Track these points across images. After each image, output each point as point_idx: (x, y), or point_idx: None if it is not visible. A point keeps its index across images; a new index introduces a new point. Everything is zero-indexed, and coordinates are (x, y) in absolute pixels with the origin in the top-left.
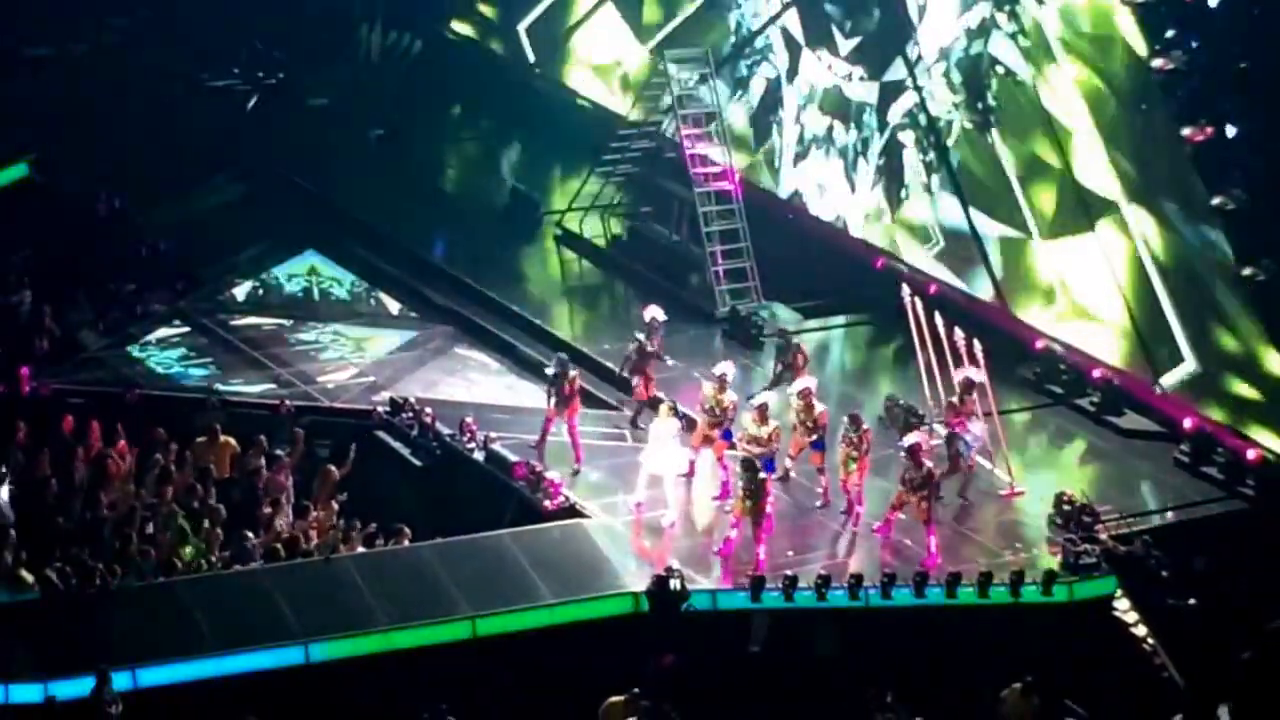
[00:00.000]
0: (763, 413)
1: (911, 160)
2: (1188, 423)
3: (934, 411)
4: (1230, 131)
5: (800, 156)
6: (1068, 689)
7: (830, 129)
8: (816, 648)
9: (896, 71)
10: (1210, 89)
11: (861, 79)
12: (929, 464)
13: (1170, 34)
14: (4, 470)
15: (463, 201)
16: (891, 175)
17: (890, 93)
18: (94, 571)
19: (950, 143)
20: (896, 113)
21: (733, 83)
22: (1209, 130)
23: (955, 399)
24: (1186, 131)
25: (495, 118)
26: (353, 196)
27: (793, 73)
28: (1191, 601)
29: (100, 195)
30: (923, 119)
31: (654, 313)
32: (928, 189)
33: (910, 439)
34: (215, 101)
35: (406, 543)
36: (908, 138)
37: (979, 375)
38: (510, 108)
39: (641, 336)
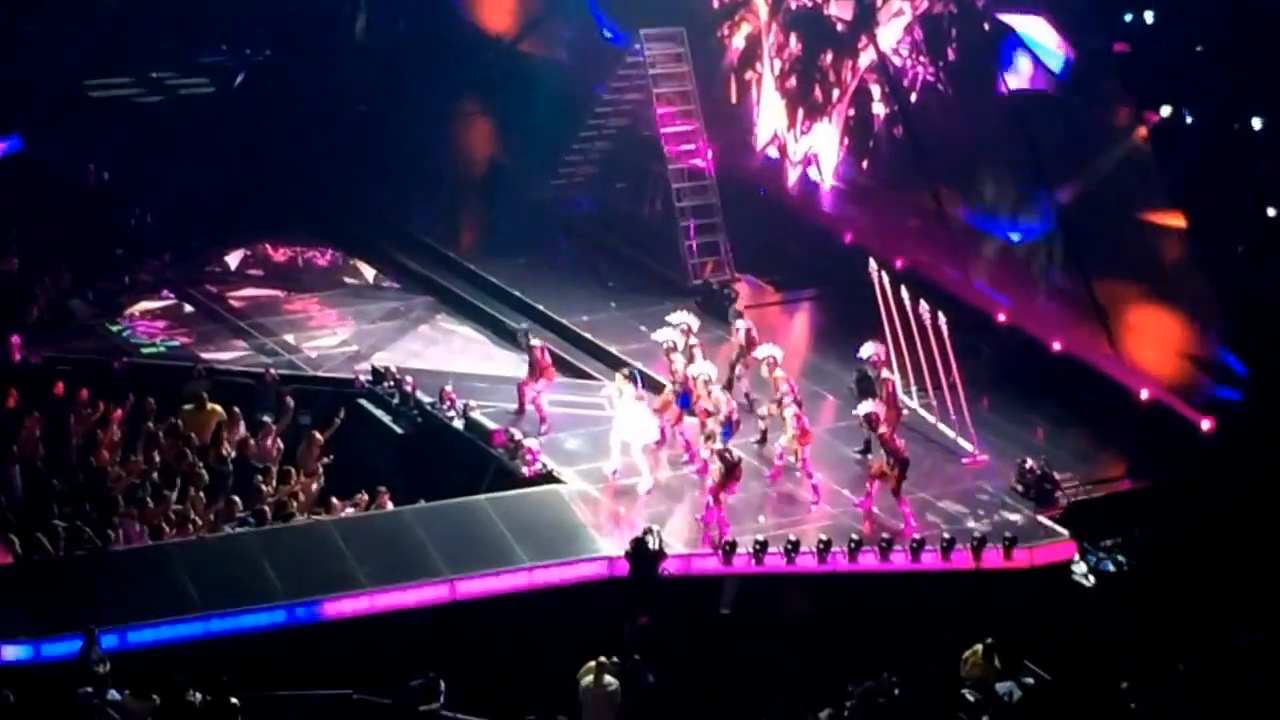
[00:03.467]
0: (705, 384)
1: (879, 111)
2: (1144, 393)
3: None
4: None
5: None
6: (1028, 650)
7: (805, 74)
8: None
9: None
10: (1167, 71)
11: None
12: (884, 429)
13: (1127, 18)
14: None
15: (444, 174)
16: (860, 127)
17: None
18: (84, 534)
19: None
20: (865, 60)
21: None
22: (1166, 111)
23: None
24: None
25: (476, 92)
26: (337, 170)
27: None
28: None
29: (90, 168)
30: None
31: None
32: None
33: (864, 408)
34: (203, 78)
35: (389, 505)
36: (875, 90)
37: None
38: (490, 83)
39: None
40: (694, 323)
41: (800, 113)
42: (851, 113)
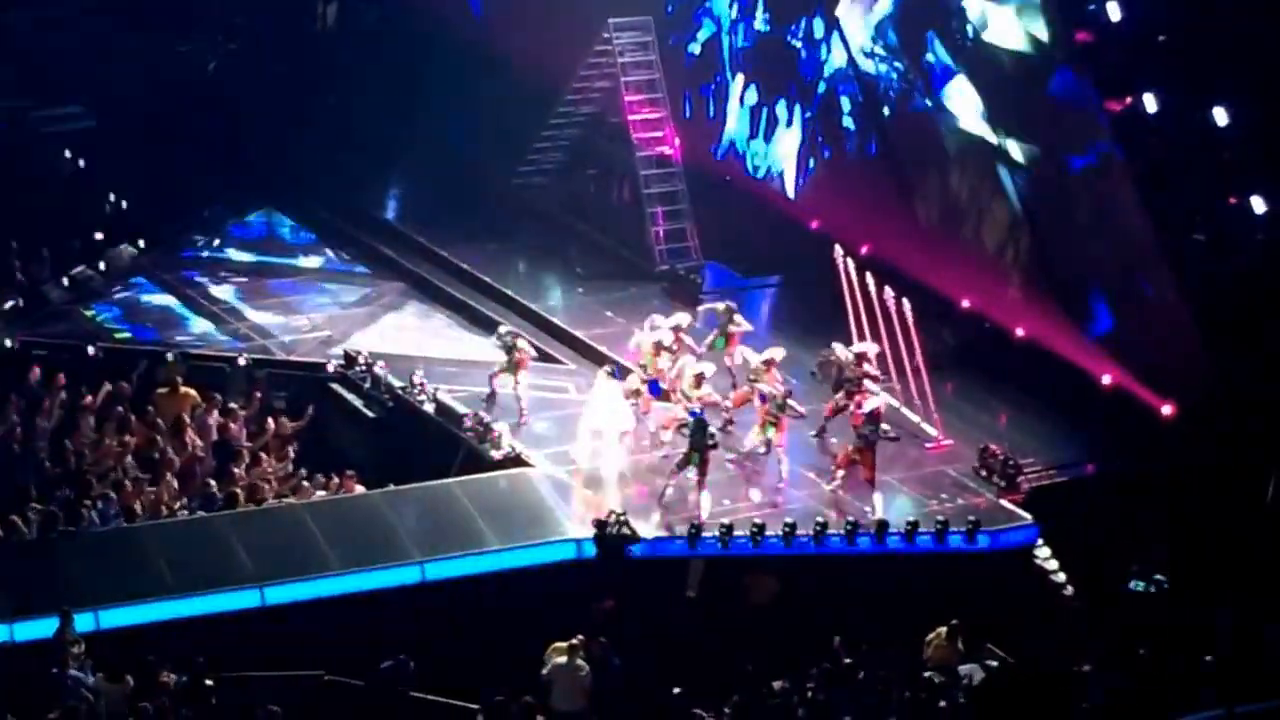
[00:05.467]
0: (699, 380)
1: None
2: (1106, 379)
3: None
4: (1149, 102)
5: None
6: (990, 632)
7: (773, 76)
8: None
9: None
10: (1130, 61)
11: None
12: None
13: (1090, 7)
14: None
15: (413, 162)
16: (827, 130)
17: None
18: (58, 517)
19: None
20: (834, 63)
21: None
22: (1128, 101)
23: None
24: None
25: (446, 81)
26: (309, 157)
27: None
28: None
29: (65, 153)
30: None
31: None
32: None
33: (871, 404)
34: (178, 64)
35: (357, 488)
36: (845, 93)
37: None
38: (460, 72)
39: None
40: (685, 321)
41: (764, 119)
42: (809, 114)
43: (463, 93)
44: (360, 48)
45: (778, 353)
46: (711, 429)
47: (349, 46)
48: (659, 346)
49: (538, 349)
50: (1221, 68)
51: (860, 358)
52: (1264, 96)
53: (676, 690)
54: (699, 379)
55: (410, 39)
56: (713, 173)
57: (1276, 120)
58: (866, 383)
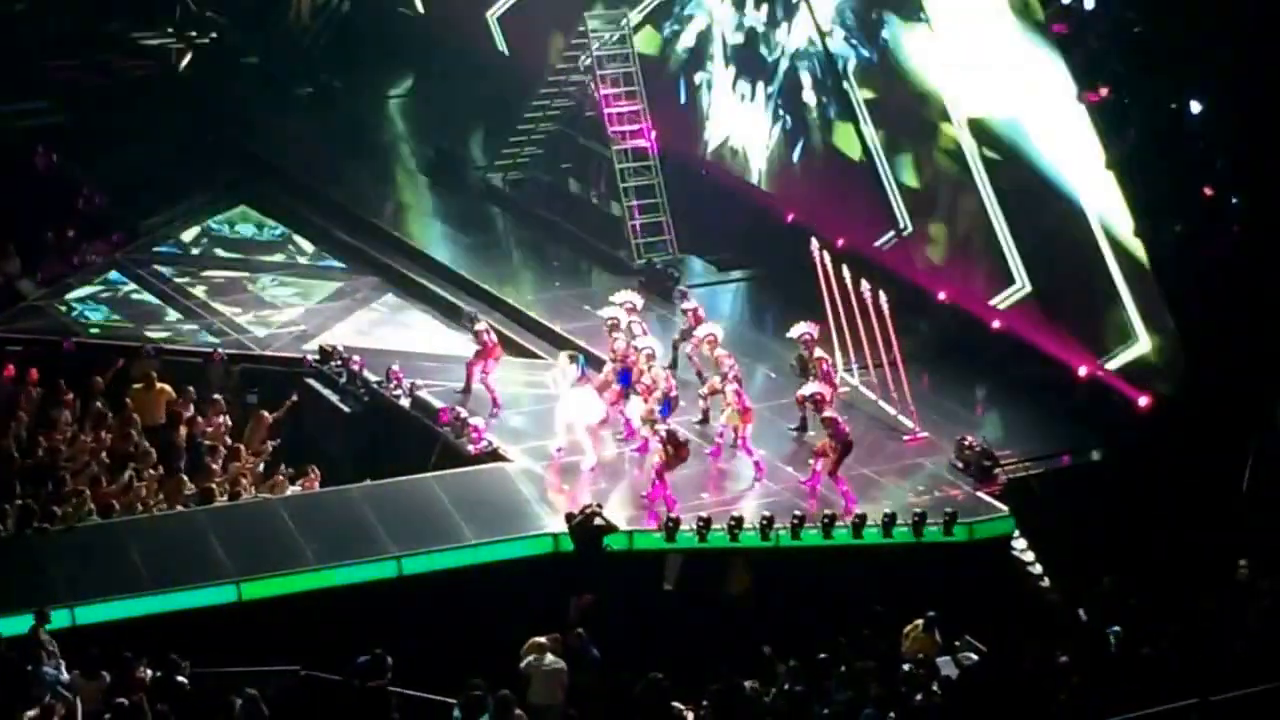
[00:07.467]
0: (650, 359)
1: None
2: (1082, 370)
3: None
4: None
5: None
6: (967, 624)
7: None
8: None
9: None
10: (1106, 51)
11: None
12: (829, 412)
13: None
14: None
15: (389, 156)
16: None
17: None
18: (34, 513)
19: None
20: (794, 43)
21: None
22: (1105, 91)
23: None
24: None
25: (419, 75)
26: (283, 152)
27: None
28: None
29: (38, 148)
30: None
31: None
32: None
33: (808, 389)
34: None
35: (315, 485)
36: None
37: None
38: (434, 64)
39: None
40: (638, 301)
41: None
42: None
43: (438, 86)
44: (334, 40)
45: (716, 329)
46: (683, 434)
47: (323, 39)
48: (613, 325)
49: (514, 342)
50: (1197, 59)
51: (804, 341)
52: (1239, 87)
53: (659, 676)
54: (650, 358)
55: (384, 32)
56: (690, 163)
57: (1252, 112)
58: (823, 366)
